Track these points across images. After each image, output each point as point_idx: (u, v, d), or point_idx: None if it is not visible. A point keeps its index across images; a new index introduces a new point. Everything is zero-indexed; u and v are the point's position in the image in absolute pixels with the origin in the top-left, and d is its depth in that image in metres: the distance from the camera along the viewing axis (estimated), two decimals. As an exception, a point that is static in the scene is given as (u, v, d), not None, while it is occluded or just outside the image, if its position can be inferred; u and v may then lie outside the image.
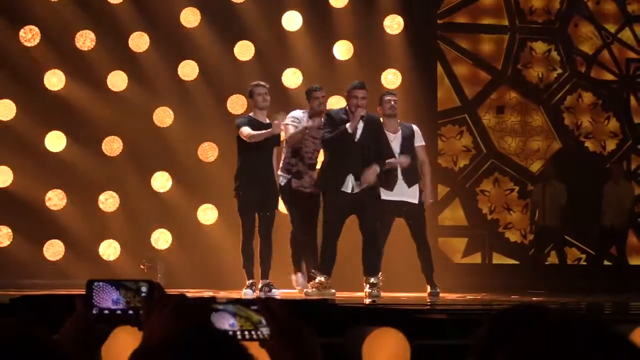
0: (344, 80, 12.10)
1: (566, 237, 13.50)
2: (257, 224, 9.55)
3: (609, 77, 14.04)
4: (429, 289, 9.86)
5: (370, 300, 9.01)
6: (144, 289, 2.13)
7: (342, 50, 12.85)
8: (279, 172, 9.82)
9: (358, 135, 9.26)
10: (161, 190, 12.46)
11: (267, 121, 9.62)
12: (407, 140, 9.88)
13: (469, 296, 10.21)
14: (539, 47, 13.96)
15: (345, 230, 9.65)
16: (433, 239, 10.87)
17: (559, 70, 13.92)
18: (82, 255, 12.04)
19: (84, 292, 2.17)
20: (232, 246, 10.00)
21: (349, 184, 9.24)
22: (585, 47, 14.00)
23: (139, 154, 12.38)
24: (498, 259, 13.60)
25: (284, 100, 12.22)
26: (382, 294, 9.34)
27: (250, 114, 9.74)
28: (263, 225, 9.52)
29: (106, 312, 2.16)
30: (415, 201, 9.86)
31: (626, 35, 14.06)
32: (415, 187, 9.87)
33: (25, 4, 12.30)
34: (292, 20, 12.76)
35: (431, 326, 6.44)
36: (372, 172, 9.26)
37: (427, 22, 13.51)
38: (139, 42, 12.54)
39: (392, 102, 9.90)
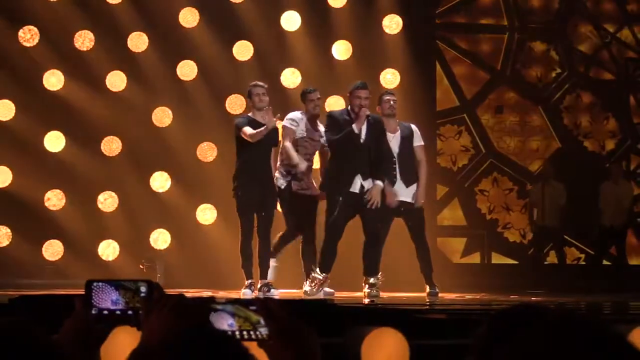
0: (342, 80, 12.12)
1: (565, 237, 13.50)
2: (256, 224, 9.55)
3: (608, 76, 14.04)
4: (427, 289, 9.86)
5: (369, 300, 9.01)
6: (143, 289, 2.13)
7: (341, 50, 12.85)
8: (277, 174, 9.81)
9: (363, 136, 9.26)
10: (160, 190, 12.46)
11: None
12: (406, 140, 9.88)
13: (468, 296, 10.21)
14: (538, 46, 13.97)
15: (344, 230, 9.68)
16: (432, 239, 10.88)
17: (558, 70, 13.93)
18: (81, 255, 12.04)
19: (83, 293, 2.17)
20: (231, 246, 9.99)
21: (357, 185, 9.24)
22: (584, 47, 14.00)
23: (138, 154, 12.38)
24: (497, 258, 13.60)
25: (282, 100, 12.22)
26: (381, 294, 9.34)
27: (249, 114, 9.73)
28: (262, 226, 9.52)
29: (105, 312, 2.15)
30: (413, 201, 9.87)
31: (625, 34, 14.06)
32: (413, 187, 9.86)
33: (24, 4, 12.30)
34: (290, 20, 12.76)
35: (430, 326, 6.44)
36: (377, 191, 9.26)
37: (425, 21, 13.52)
38: (138, 42, 12.54)
39: (392, 102, 9.89)
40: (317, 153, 9.98)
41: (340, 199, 9.22)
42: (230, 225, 10.01)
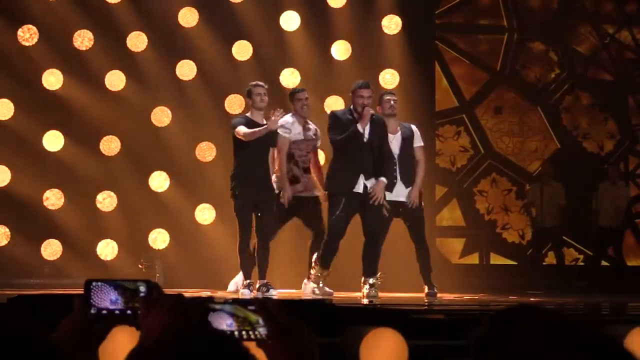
0: (342, 80, 12.13)
1: (564, 237, 13.51)
2: (256, 224, 9.56)
3: (607, 77, 14.05)
4: (426, 289, 9.86)
5: (368, 300, 9.02)
6: (142, 288, 2.13)
7: (340, 50, 12.85)
8: (273, 177, 9.82)
9: (367, 136, 9.26)
10: (159, 190, 12.45)
11: (264, 122, 9.61)
12: (407, 141, 9.88)
13: (467, 296, 10.21)
14: (537, 47, 13.97)
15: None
16: (431, 239, 10.87)
17: (557, 71, 13.93)
18: (80, 255, 12.03)
19: (82, 292, 2.17)
20: (229, 246, 10.00)
21: (361, 185, 9.24)
22: (583, 48, 14.01)
23: (136, 154, 12.37)
24: (496, 259, 13.61)
25: (281, 100, 12.21)
26: (380, 294, 9.34)
27: (247, 114, 9.73)
28: (260, 226, 9.52)
29: (104, 312, 2.15)
30: (408, 201, 9.87)
31: (624, 35, 14.06)
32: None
33: (24, 4, 12.29)
34: (290, 20, 12.76)
35: (429, 326, 6.45)
36: (380, 187, 9.26)
37: (425, 22, 13.52)
38: (137, 41, 12.54)
39: (392, 102, 9.89)
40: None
41: (344, 199, 9.22)
42: (229, 225, 10.01)
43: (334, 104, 12.00)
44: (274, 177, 9.80)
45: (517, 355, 1.78)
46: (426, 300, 9.54)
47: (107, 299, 2.15)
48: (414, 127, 10.09)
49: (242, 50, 12.66)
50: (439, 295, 9.87)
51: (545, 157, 13.76)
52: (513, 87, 13.85)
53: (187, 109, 12.50)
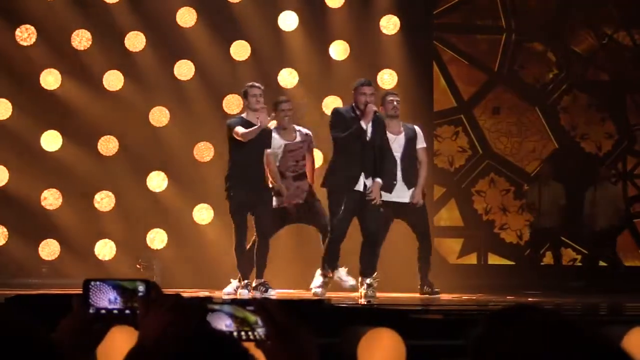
0: (340, 80, 12.13)
1: (562, 238, 13.51)
2: (255, 225, 9.57)
3: (604, 78, 14.05)
4: (425, 288, 9.88)
5: (366, 300, 9.02)
6: (141, 288, 2.13)
7: (338, 50, 12.85)
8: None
9: (369, 134, 9.25)
10: (157, 190, 12.45)
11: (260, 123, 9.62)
12: (410, 142, 9.89)
13: (465, 297, 10.21)
14: (535, 47, 13.98)
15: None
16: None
17: (555, 71, 13.93)
18: (78, 255, 12.03)
19: (80, 292, 2.17)
20: (227, 246, 10.00)
21: (361, 183, 9.24)
22: (581, 48, 14.01)
23: (134, 154, 12.37)
24: (494, 259, 13.61)
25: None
26: (378, 294, 9.34)
27: (243, 115, 9.72)
28: (257, 225, 9.53)
29: (103, 311, 2.15)
30: (410, 200, 9.88)
31: (622, 36, 14.06)
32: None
33: (22, 4, 12.29)
34: (288, 20, 12.75)
35: (427, 326, 6.45)
36: (377, 188, 9.26)
37: (423, 22, 13.51)
38: (135, 41, 12.53)
39: (395, 103, 9.90)
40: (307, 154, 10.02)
41: (344, 197, 9.21)
42: (227, 225, 10.01)
43: (332, 104, 11.99)
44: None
45: (515, 355, 1.78)
46: (428, 299, 9.56)
47: (106, 299, 2.16)
48: (417, 128, 10.10)
49: (240, 50, 12.65)
50: (439, 293, 9.90)
51: (543, 157, 13.76)
52: (511, 87, 13.85)
53: (185, 109, 12.50)
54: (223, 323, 2.10)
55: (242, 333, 2.09)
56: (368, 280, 9.30)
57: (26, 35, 12.33)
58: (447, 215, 13.60)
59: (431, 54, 13.59)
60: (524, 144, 13.81)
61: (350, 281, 9.44)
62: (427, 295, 9.83)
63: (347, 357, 5.57)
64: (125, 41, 12.50)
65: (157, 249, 12.29)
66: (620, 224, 13.41)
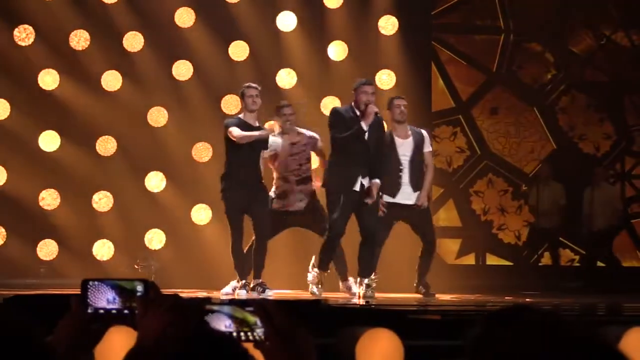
0: (338, 81, 12.14)
1: (560, 238, 13.52)
2: (252, 225, 9.58)
3: (603, 78, 14.06)
4: (420, 288, 9.88)
5: (364, 300, 9.02)
6: (139, 288, 2.13)
7: (337, 50, 12.85)
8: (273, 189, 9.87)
9: (367, 134, 9.25)
10: (155, 190, 12.45)
11: (257, 124, 9.62)
12: (418, 146, 9.89)
13: (463, 297, 10.22)
14: (534, 48, 13.98)
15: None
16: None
17: (553, 72, 13.94)
18: (76, 255, 12.02)
19: (79, 292, 2.17)
20: (225, 246, 10.00)
21: (358, 183, 9.23)
22: (580, 49, 14.02)
23: (133, 154, 12.37)
24: (492, 260, 13.62)
25: (278, 101, 12.21)
26: (376, 294, 9.34)
27: (240, 116, 9.72)
28: (254, 226, 9.53)
29: (101, 311, 2.15)
30: (415, 203, 9.89)
31: (620, 36, 14.07)
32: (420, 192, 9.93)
33: (20, 4, 12.29)
34: (286, 21, 12.75)
35: (425, 327, 6.45)
36: (374, 188, 9.24)
37: (421, 23, 13.51)
38: (134, 41, 12.53)
39: (402, 108, 9.90)
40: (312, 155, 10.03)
41: (342, 197, 9.21)
42: (225, 225, 10.00)
43: (331, 104, 11.99)
44: (272, 190, 9.85)
45: (513, 355, 1.78)
46: (424, 300, 9.56)
47: (104, 299, 2.15)
48: (424, 132, 10.11)
49: (238, 50, 12.65)
50: (435, 295, 9.89)
51: (542, 158, 13.76)
52: (509, 87, 13.86)
53: (184, 109, 12.50)
54: (222, 324, 2.10)
55: (242, 334, 2.09)
56: (366, 281, 9.30)
57: (24, 35, 12.33)
58: (445, 216, 13.60)
59: (429, 55, 13.59)
60: (522, 144, 13.81)
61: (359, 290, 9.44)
62: (422, 296, 9.83)
63: (345, 357, 5.57)
64: (123, 41, 12.50)
65: (155, 249, 12.28)
66: (619, 224, 13.41)
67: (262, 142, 9.56)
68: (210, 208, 12.26)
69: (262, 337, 2.08)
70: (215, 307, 2.10)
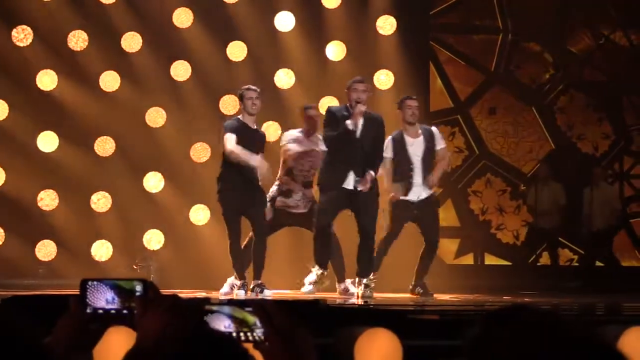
0: (336, 81, 12.12)
1: (559, 238, 13.52)
2: (251, 226, 9.58)
3: (601, 78, 14.06)
4: (418, 289, 9.88)
5: (362, 300, 9.02)
6: (138, 288, 2.13)
7: (335, 50, 12.85)
8: (274, 187, 9.87)
9: (359, 132, 9.22)
10: (153, 191, 12.45)
11: (255, 127, 9.62)
12: (429, 144, 9.89)
13: (461, 297, 10.22)
14: (532, 47, 13.98)
15: (338, 230, 9.70)
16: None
17: (552, 71, 13.94)
18: (75, 256, 12.02)
19: (78, 292, 2.17)
20: (224, 246, 9.99)
21: (350, 181, 9.21)
22: (578, 48, 14.02)
23: (131, 155, 12.37)
24: (490, 259, 13.62)
25: (276, 101, 12.24)
26: (375, 294, 9.34)
27: (239, 117, 9.71)
28: (255, 226, 9.53)
29: (100, 311, 2.15)
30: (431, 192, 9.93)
31: (618, 36, 14.07)
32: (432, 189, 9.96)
33: (18, 4, 12.29)
34: (284, 21, 12.75)
35: (423, 327, 6.45)
36: (368, 179, 9.21)
37: (419, 22, 13.52)
38: (132, 42, 12.53)
39: (414, 109, 9.89)
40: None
41: (331, 193, 9.20)
42: (224, 226, 10.01)
43: (329, 104, 11.98)
44: (273, 187, 9.85)
45: (511, 355, 1.78)
46: (421, 300, 9.56)
47: (103, 299, 2.15)
48: (433, 128, 10.12)
49: (236, 50, 12.65)
50: (434, 295, 9.90)
51: (540, 157, 13.76)
52: (508, 87, 13.86)
53: (182, 109, 12.50)
54: (222, 324, 2.10)
55: (241, 334, 2.09)
56: (365, 280, 9.30)
57: (22, 36, 12.32)
58: (444, 216, 13.53)
59: (428, 54, 13.59)
60: (521, 144, 13.81)
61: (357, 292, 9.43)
62: (419, 297, 9.84)
63: (344, 357, 5.57)
64: (121, 42, 12.50)
65: (153, 250, 12.28)
66: (617, 224, 13.42)
67: (261, 145, 9.57)
68: (209, 208, 12.26)
69: (262, 337, 2.08)
70: (214, 308, 2.10)
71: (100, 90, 12.37)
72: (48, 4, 12.34)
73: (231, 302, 2.13)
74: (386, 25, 12.97)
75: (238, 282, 9.51)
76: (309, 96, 12.44)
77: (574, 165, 13.71)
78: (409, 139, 9.82)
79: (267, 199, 9.84)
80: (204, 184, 11.99)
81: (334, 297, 9.33)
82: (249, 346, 1.99)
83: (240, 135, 9.41)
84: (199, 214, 12.40)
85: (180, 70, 12.58)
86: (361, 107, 9.18)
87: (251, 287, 9.47)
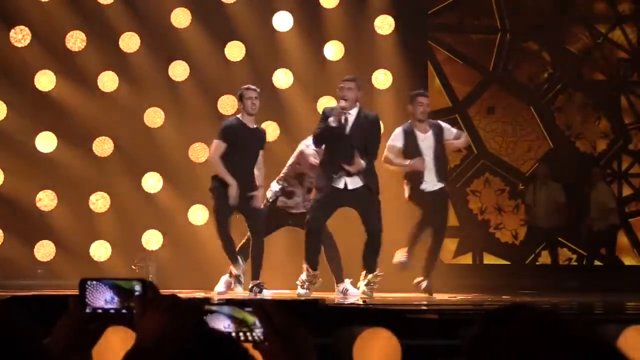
0: (334, 81, 12.08)
1: (558, 237, 13.53)
2: (247, 224, 9.58)
3: (599, 77, 14.07)
4: (424, 284, 9.88)
5: (361, 300, 9.01)
6: (137, 287, 2.12)
7: (333, 50, 12.86)
8: (272, 184, 9.86)
9: (348, 129, 9.18)
10: (152, 191, 12.45)
11: (254, 126, 9.61)
12: (439, 138, 9.90)
13: (460, 296, 10.21)
14: (530, 47, 13.99)
15: (338, 230, 9.69)
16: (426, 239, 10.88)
17: (550, 70, 13.95)
18: (73, 256, 12.02)
19: (77, 292, 2.17)
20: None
21: (342, 181, 9.19)
22: (576, 47, 14.03)
23: (129, 155, 12.37)
24: (489, 259, 13.62)
25: (274, 101, 12.23)
26: (374, 294, 9.33)
27: (239, 116, 9.71)
28: (252, 224, 9.53)
29: (99, 311, 2.15)
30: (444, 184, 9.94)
31: (617, 35, 14.08)
32: (443, 182, 9.94)
33: (16, 4, 12.28)
34: (283, 21, 12.75)
35: (422, 326, 6.45)
36: (357, 163, 9.13)
37: (418, 22, 13.52)
38: (130, 42, 12.53)
39: (425, 107, 9.90)
40: None
41: (323, 193, 9.19)
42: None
43: (327, 104, 11.99)
44: (275, 185, 9.84)
45: (510, 354, 1.78)
46: (423, 290, 9.59)
47: (102, 299, 2.15)
48: (441, 122, 10.15)
49: (234, 50, 12.65)
50: (432, 295, 9.91)
51: (538, 157, 13.77)
52: (506, 87, 13.86)
53: (180, 109, 12.50)
54: (222, 324, 2.09)
55: (241, 334, 2.09)
56: (370, 276, 9.28)
57: (20, 36, 12.32)
58: (443, 215, 13.59)
59: (426, 54, 13.60)
60: (519, 143, 13.82)
61: (357, 292, 9.40)
62: (421, 293, 9.83)
63: (343, 357, 5.57)
64: (119, 42, 12.50)
65: (152, 250, 12.28)
66: (616, 223, 13.43)
67: (260, 143, 9.57)
68: (207, 208, 12.25)
69: (261, 337, 2.08)
70: (214, 308, 2.10)
71: (99, 91, 12.37)
72: (46, 5, 12.34)
73: (230, 302, 2.13)
74: (384, 24, 12.97)
75: (232, 278, 9.50)
76: (307, 96, 12.45)
77: (573, 165, 13.72)
78: (420, 135, 9.82)
79: (268, 196, 9.83)
80: (203, 184, 11.95)
81: (332, 297, 9.33)
82: (249, 346, 1.99)
83: (238, 136, 9.41)
84: (198, 214, 12.40)
85: (179, 71, 12.58)
86: (342, 104, 9.17)
87: (250, 287, 9.46)
